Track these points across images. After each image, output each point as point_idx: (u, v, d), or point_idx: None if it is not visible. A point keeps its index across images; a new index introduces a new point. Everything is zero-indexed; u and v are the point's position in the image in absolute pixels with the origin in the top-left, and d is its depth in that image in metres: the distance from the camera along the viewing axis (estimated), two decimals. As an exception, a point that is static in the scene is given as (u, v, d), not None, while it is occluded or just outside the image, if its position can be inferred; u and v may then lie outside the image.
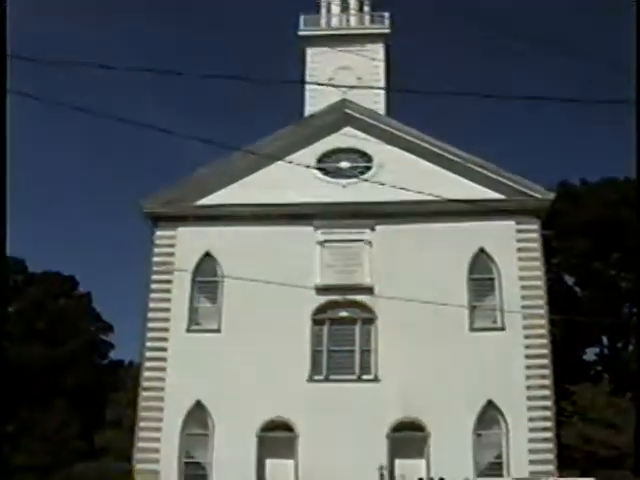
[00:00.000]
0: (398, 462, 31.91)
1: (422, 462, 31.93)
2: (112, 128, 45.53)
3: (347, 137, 36.29)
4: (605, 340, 50.16)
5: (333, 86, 35.33)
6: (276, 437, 32.63)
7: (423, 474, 31.42)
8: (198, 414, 33.16)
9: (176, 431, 32.82)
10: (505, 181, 35.15)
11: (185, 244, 35.14)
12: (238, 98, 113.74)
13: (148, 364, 34.00)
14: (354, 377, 33.25)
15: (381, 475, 30.28)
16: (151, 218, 35.88)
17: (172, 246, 35.31)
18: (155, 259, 35.29)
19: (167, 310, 34.45)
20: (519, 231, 34.76)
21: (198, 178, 36.16)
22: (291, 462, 32.19)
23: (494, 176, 35.22)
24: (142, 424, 33.28)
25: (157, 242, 35.63)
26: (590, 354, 51.05)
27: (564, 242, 47.00)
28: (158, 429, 32.87)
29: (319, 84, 36.39)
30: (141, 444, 32.93)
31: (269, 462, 32.46)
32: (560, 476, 31.65)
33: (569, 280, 50.46)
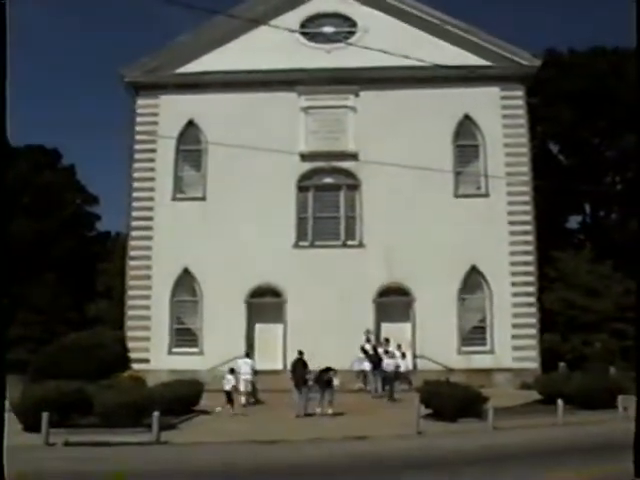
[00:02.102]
0: (384, 325, 32.74)
1: (408, 325, 32.79)
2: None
3: (331, 1, 35.43)
4: (588, 208, 50.48)
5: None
6: (264, 302, 33.33)
7: (409, 337, 32.32)
8: (186, 281, 33.72)
9: (165, 298, 33.46)
10: (491, 47, 34.68)
11: (168, 112, 34.75)
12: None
13: (135, 233, 34.27)
14: (339, 243, 33.70)
15: (367, 338, 30.98)
16: (133, 87, 35.32)
17: (155, 115, 34.95)
18: (138, 128, 34.94)
19: (152, 179, 34.46)
20: (504, 97, 34.59)
21: (179, 45, 35.45)
22: (280, 326, 32.93)
23: (480, 41, 34.74)
24: (131, 293, 33.86)
25: (139, 111, 35.23)
26: (573, 222, 51.54)
27: (550, 110, 46.49)
28: (147, 297, 33.50)
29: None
30: (131, 312, 33.58)
31: (258, 327, 33.23)
32: (542, 338, 32.62)
33: (554, 148, 50.26)
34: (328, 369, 23.93)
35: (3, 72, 7.52)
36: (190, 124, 34.82)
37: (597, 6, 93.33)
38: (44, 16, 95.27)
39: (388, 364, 27.87)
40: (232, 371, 25.82)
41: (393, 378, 27.63)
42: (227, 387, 24.89)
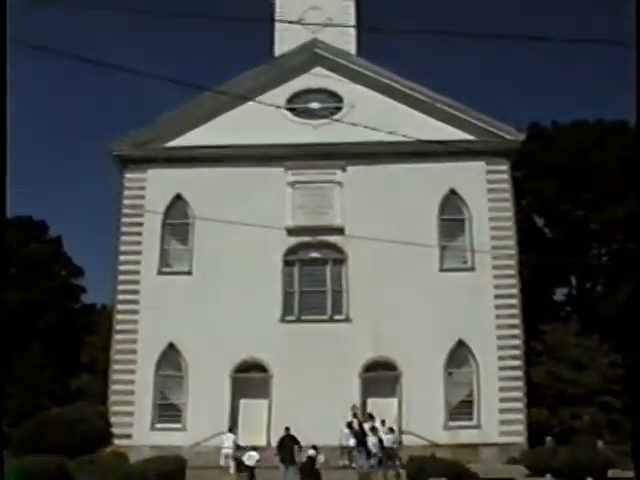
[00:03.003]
0: (370, 401, 32.40)
1: (394, 401, 32.47)
2: (78, 69, 44.66)
3: (317, 77, 35.97)
4: (574, 280, 50.68)
5: (302, 24, 34.88)
6: (249, 378, 32.98)
7: (395, 413, 32.00)
8: (171, 356, 33.39)
9: (150, 373, 33.04)
10: (475, 122, 35.17)
11: (155, 186, 34.95)
12: (207, 37, 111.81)
13: (120, 307, 34.07)
14: (326, 317, 33.56)
15: (354, 414, 30.66)
16: (120, 160, 35.56)
17: (142, 188, 35.12)
18: (125, 202, 35.10)
19: (138, 253, 34.42)
20: (489, 172, 34.92)
21: (167, 120, 35.85)
22: (265, 402, 32.54)
23: (464, 116, 35.24)
24: (116, 367, 33.45)
25: (127, 184, 35.42)
26: (559, 295, 51.68)
27: (534, 183, 47.10)
28: (132, 371, 33.07)
29: (289, 22, 35.84)
30: (115, 387, 33.14)
31: (243, 402, 32.83)
32: (529, 413, 32.39)
33: (539, 221, 50.71)
34: (314, 447, 23.66)
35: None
36: (177, 198, 34.98)
37: (580, 79, 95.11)
38: (29, 80, 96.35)
39: (374, 444, 27.51)
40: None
41: (381, 455, 27.26)
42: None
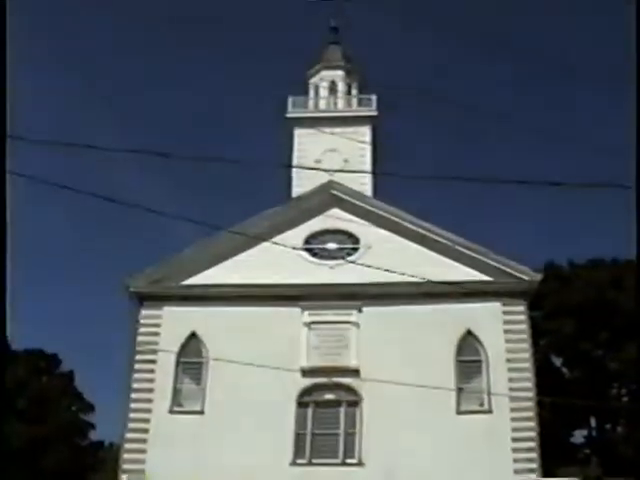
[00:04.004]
0: None
1: None
2: (98, 206, 45.55)
3: (334, 219, 36.48)
4: (593, 422, 49.71)
5: (319, 170, 35.52)
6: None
7: None
8: (180, 499, 32.41)
9: (158, 516, 32.05)
10: (491, 262, 35.23)
11: (170, 324, 34.87)
12: (225, 177, 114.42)
13: (128, 446, 33.29)
14: (338, 461, 32.58)
15: None
16: (137, 297, 35.64)
17: (157, 326, 35.01)
18: (140, 338, 34.90)
19: (150, 391, 33.92)
20: (506, 313, 34.66)
21: (184, 258, 36.13)
22: None
23: (480, 257, 35.33)
24: (122, 507, 32.53)
25: (142, 321, 35.33)
26: (578, 436, 50.57)
27: (551, 323, 47.01)
28: (138, 514, 32.13)
29: (305, 168, 36.70)
30: (121, 529, 32.15)
31: None
32: None
33: (557, 361, 50.34)
34: None
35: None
36: (192, 336, 34.76)
37: (598, 220, 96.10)
38: (45, 215, 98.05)
39: None
40: None
41: None
42: None
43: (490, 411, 33.10)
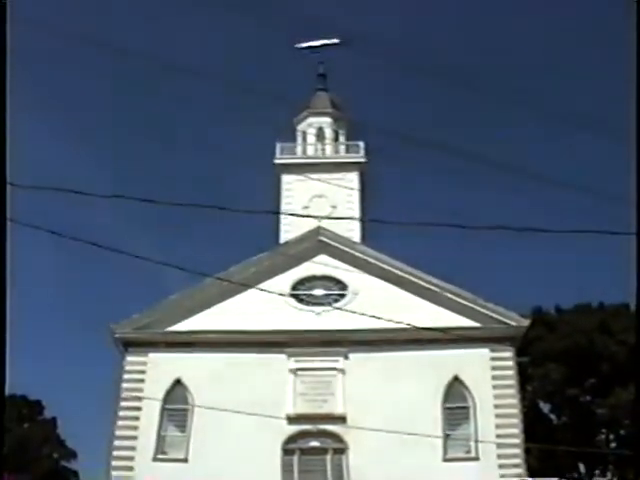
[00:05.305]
0: None
1: None
2: (83, 251, 45.24)
3: (321, 265, 36.45)
4: (582, 468, 49.38)
5: (307, 216, 35.51)
6: None
7: None
8: None
9: None
10: (479, 309, 35.22)
11: (156, 370, 34.53)
12: (211, 224, 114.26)
13: (111, 495, 32.85)
14: (325, 510, 32.29)
15: None
16: (122, 343, 35.36)
17: (142, 372, 34.69)
18: (125, 385, 34.55)
19: (134, 438, 33.47)
20: (494, 359, 34.59)
21: (170, 304, 35.96)
22: None
23: (468, 304, 35.33)
24: None
25: (127, 368, 35.03)
26: (567, 483, 50.12)
27: (539, 369, 46.88)
28: None
29: (293, 215, 36.80)
30: None
31: None
32: None
33: (544, 407, 50.08)
34: None
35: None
36: (177, 382, 34.46)
37: (582, 266, 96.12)
38: (30, 260, 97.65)
39: None
40: None
41: None
42: None
43: (477, 458, 32.81)
